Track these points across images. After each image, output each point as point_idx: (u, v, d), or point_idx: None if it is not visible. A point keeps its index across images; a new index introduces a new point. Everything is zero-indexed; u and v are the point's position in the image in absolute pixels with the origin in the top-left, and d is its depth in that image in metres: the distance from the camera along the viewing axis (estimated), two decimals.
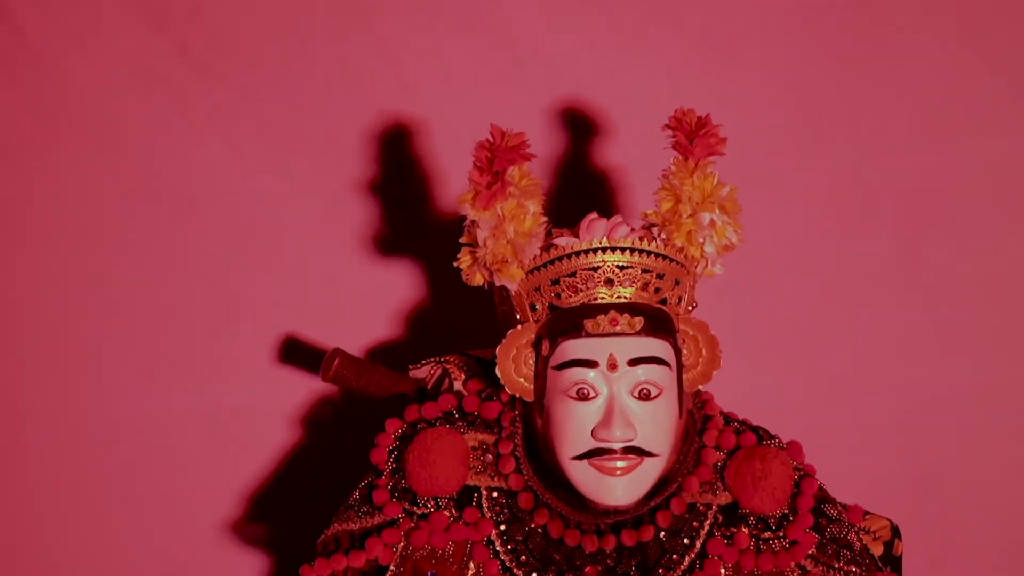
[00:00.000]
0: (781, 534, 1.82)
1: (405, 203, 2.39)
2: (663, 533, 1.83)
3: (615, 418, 1.76)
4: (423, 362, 1.99)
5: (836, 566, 1.82)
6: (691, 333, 1.82)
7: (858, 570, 1.83)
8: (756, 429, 1.88)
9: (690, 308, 1.85)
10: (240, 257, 2.43)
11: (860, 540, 1.86)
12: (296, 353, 2.41)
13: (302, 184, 2.41)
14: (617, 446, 1.76)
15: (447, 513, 1.85)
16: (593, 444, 1.76)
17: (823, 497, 1.86)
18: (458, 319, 2.32)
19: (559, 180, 2.33)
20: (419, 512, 1.85)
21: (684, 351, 1.82)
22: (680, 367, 1.81)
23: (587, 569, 1.83)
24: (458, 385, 1.95)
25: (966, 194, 2.40)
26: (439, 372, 1.97)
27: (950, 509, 2.42)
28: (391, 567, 1.85)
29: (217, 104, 2.41)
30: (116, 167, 2.42)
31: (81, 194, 2.43)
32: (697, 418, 1.90)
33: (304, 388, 2.41)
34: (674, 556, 1.82)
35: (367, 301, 2.42)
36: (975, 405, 2.42)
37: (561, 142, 2.37)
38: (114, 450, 2.43)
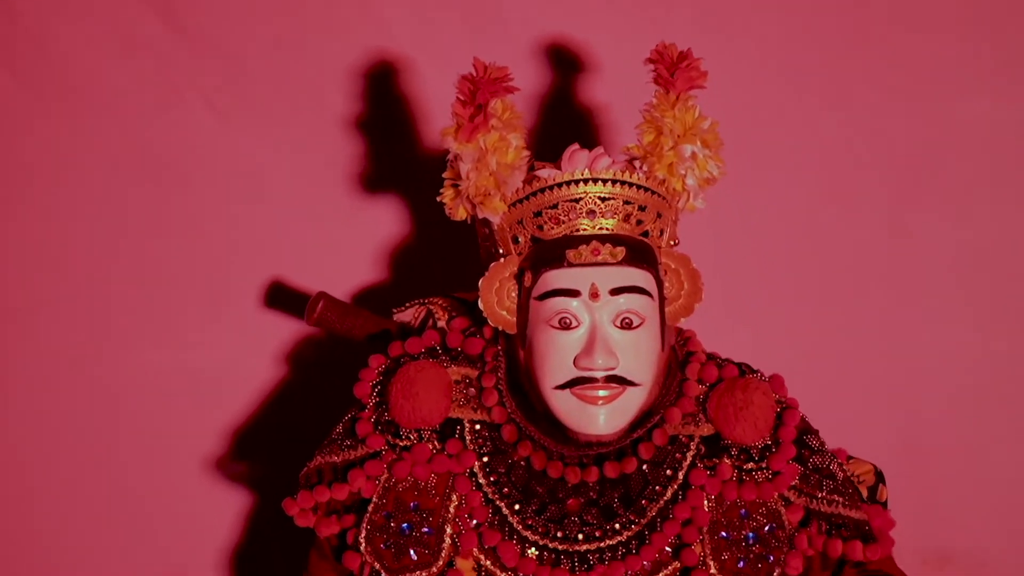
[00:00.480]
0: (764, 465, 1.83)
1: (390, 141, 2.40)
2: (645, 465, 1.84)
3: (597, 346, 1.76)
4: (407, 304, 2.00)
5: (819, 496, 1.83)
6: (673, 266, 1.83)
7: (841, 499, 1.84)
8: (739, 364, 1.89)
9: (672, 243, 1.86)
10: (226, 203, 2.43)
11: (843, 471, 1.87)
12: (282, 298, 2.42)
13: (285, 129, 2.42)
14: (599, 375, 1.77)
15: (430, 445, 1.86)
16: (575, 373, 1.77)
17: (805, 428, 1.87)
18: (443, 257, 2.34)
19: (543, 118, 2.34)
20: (402, 444, 1.86)
21: (666, 284, 1.83)
22: (662, 299, 1.82)
23: (569, 501, 1.84)
24: (442, 324, 1.96)
25: (956, 155, 2.42)
26: (423, 313, 1.98)
27: (934, 463, 2.44)
28: (373, 499, 1.85)
29: (198, 54, 2.42)
30: (99, 128, 2.43)
31: (65, 157, 2.43)
32: (679, 354, 1.91)
33: (289, 329, 2.42)
34: (657, 487, 1.83)
35: (353, 242, 2.43)
36: (962, 368, 2.44)
37: (546, 79, 2.37)
38: (102, 388, 2.44)
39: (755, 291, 2.43)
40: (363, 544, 1.84)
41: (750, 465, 1.84)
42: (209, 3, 2.41)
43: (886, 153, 2.42)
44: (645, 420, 1.84)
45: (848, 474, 1.89)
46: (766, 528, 1.82)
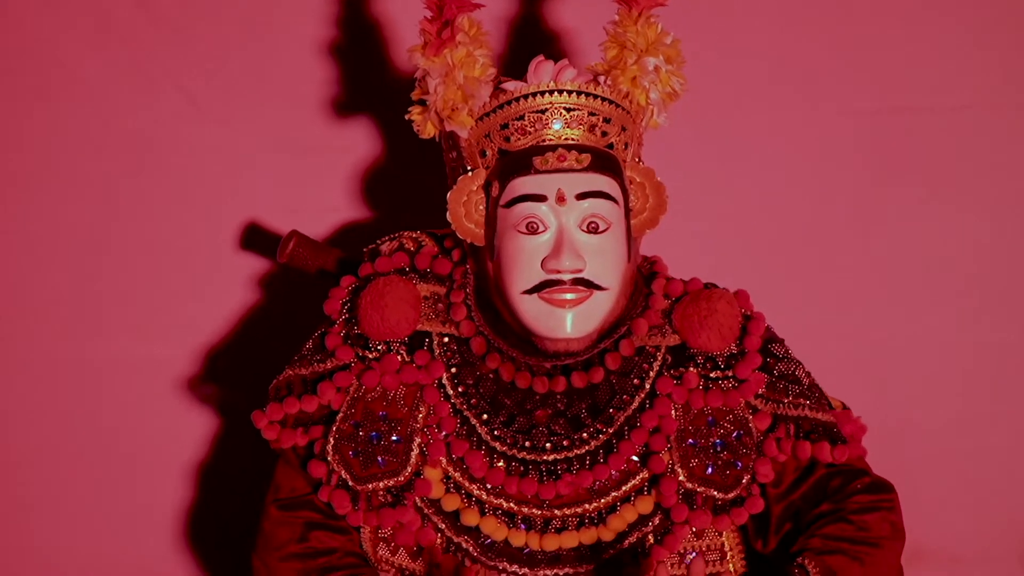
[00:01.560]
0: (730, 373, 1.87)
1: (363, 68, 2.42)
2: (613, 376, 1.88)
3: (564, 248, 1.80)
4: (379, 241, 2.02)
5: (785, 401, 1.88)
6: (638, 180, 1.88)
7: (808, 402, 1.88)
8: (705, 283, 1.94)
9: (637, 160, 1.90)
10: (198, 140, 2.45)
11: (809, 376, 1.91)
12: (257, 239, 2.44)
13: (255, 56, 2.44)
14: (566, 277, 1.80)
15: (398, 356, 1.89)
16: (543, 276, 1.80)
17: (771, 337, 1.91)
18: (418, 184, 2.36)
19: (512, 42, 2.35)
20: (371, 356, 1.89)
21: (632, 197, 1.87)
22: (628, 209, 1.85)
23: (537, 412, 1.87)
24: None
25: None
26: (396, 245, 2.00)
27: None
28: (342, 409, 1.89)
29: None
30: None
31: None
32: (645, 272, 1.95)
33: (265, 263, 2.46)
34: (624, 397, 1.87)
35: (327, 173, 2.45)
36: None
37: (514, 4, 2.38)
38: (76, 309, 2.47)
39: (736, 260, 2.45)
40: (331, 453, 1.87)
41: (716, 373, 1.88)
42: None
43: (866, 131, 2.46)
44: (612, 331, 1.87)
45: (813, 380, 1.92)
46: (734, 435, 1.86)
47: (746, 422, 1.87)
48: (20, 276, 2.46)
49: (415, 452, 1.87)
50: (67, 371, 2.47)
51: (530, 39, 2.36)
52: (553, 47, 2.36)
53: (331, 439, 1.88)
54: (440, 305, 1.92)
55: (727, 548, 1.90)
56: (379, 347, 1.89)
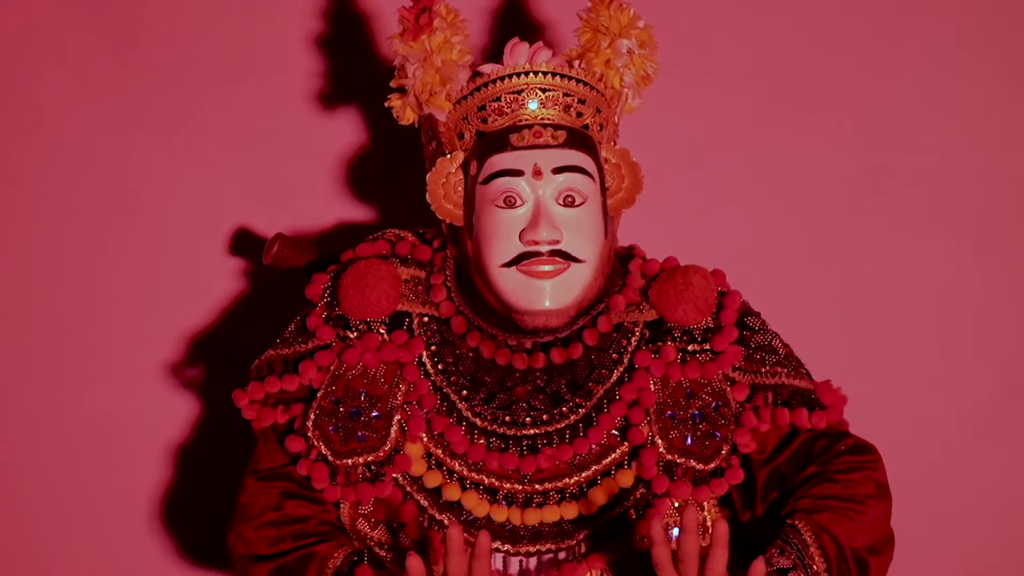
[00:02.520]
0: (707, 347, 1.91)
1: (349, 62, 2.45)
2: (592, 352, 1.91)
3: (541, 219, 1.84)
4: (367, 240, 2.04)
5: (763, 370, 1.92)
6: (613, 160, 1.92)
7: (784, 370, 1.92)
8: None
9: (613, 143, 1.95)
10: (188, 143, 2.48)
11: (786, 347, 1.95)
12: (246, 242, 2.48)
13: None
14: (544, 248, 1.84)
15: (379, 334, 1.93)
16: (521, 248, 1.84)
17: (746, 310, 1.95)
18: (407, 176, 2.41)
19: (495, 33, 2.39)
20: (352, 336, 1.93)
21: (608, 177, 1.91)
22: (604, 187, 1.90)
23: (517, 389, 1.91)
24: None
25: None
26: (379, 236, 2.03)
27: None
28: (323, 386, 1.92)
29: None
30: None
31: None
32: (623, 255, 2.00)
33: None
34: (603, 371, 1.91)
35: (314, 166, 2.49)
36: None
37: None
38: (64, 297, 2.50)
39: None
40: (310, 429, 1.90)
41: (693, 347, 1.92)
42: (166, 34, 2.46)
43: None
44: (591, 309, 1.91)
45: (790, 349, 1.96)
46: (712, 406, 1.89)
47: (724, 393, 1.91)
48: (14, 274, 2.50)
49: (395, 428, 1.90)
50: (56, 362, 2.50)
51: (512, 30, 2.36)
52: (535, 38, 2.39)
53: (311, 414, 1.91)
54: (420, 287, 1.96)
55: (708, 522, 1.92)
56: (360, 327, 1.93)
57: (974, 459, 2.50)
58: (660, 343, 1.92)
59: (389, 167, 2.43)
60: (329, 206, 2.47)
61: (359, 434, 1.89)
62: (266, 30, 2.46)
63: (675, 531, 1.88)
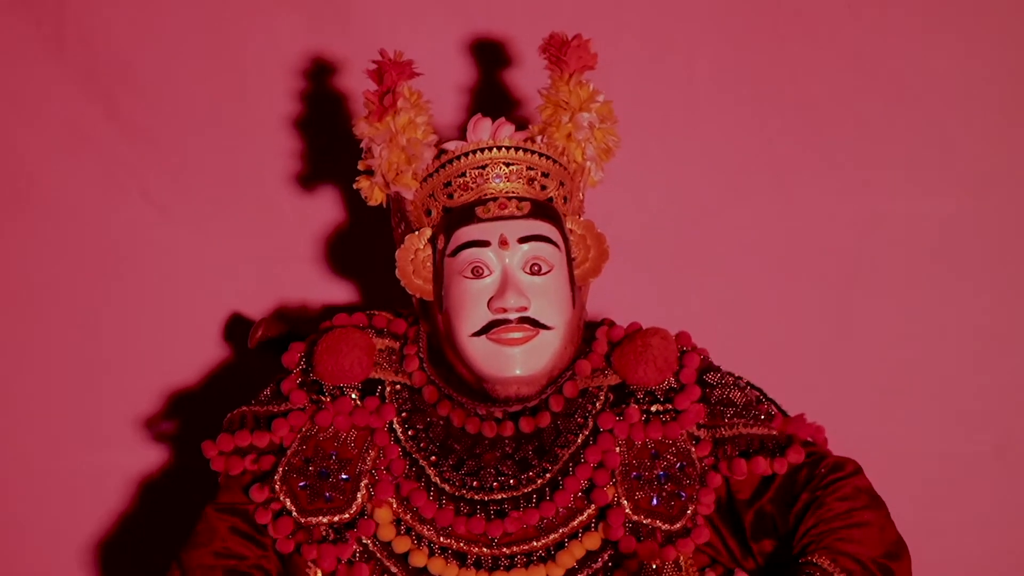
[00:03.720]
0: (670, 406, 1.94)
1: (328, 143, 2.51)
2: (558, 418, 1.94)
3: (509, 287, 1.89)
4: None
5: (722, 424, 1.94)
6: (579, 232, 1.97)
7: (742, 421, 1.94)
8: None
9: (578, 216, 1.99)
10: (169, 230, 2.53)
11: (746, 395, 1.97)
12: (238, 328, 2.53)
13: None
14: (512, 316, 1.88)
15: (352, 399, 1.97)
16: (489, 316, 1.88)
17: (706, 367, 1.98)
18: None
19: (471, 110, 2.43)
20: (325, 400, 1.96)
21: (574, 248, 1.96)
22: (570, 257, 1.94)
23: (486, 456, 1.94)
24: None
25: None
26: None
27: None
28: (292, 446, 1.95)
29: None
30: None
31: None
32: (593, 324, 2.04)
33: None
34: (569, 436, 1.94)
35: (300, 243, 2.55)
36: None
37: (473, 74, 2.49)
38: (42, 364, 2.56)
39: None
40: (278, 484, 1.93)
41: (656, 407, 1.95)
42: (153, 99, 2.50)
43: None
44: (559, 378, 1.95)
45: (751, 398, 1.97)
46: (677, 467, 1.92)
47: (688, 453, 1.93)
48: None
49: (362, 492, 1.92)
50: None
51: (486, 107, 2.41)
52: (508, 114, 2.45)
53: (280, 468, 1.94)
54: (394, 357, 2.01)
55: None
56: (333, 391, 1.97)
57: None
58: (624, 406, 1.95)
59: (367, 245, 2.47)
60: (310, 280, 2.53)
61: (326, 494, 1.92)
62: (252, 94, 2.52)
63: None
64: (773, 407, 2.00)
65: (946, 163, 2.53)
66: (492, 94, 2.48)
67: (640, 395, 1.95)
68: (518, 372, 1.89)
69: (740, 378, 2.01)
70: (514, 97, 2.49)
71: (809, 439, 1.98)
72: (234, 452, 1.98)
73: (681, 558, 1.93)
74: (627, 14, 2.49)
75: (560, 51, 1.93)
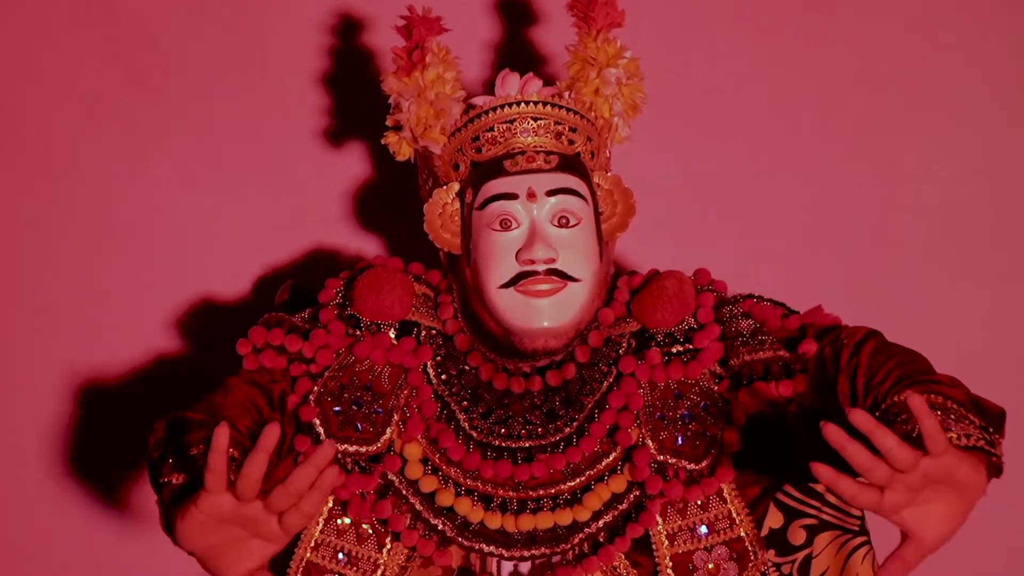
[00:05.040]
0: (690, 347, 1.96)
1: (357, 101, 2.54)
2: (583, 369, 1.97)
3: (537, 239, 1.90)
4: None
5: (734, 357, 1.94)
6: (606, 187, 1.99)
7: (746, 348, 1.92)
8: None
9: (606, 171, 2.01)
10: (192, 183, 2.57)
11: (750, 321, 1.95)
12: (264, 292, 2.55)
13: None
14: (540, 268, 1.90)
15: (389, 336, 1.99)
16: (518, 268, 1.90)
17: (719, 301, 1.99)
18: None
19: (497, 68, 2.46)
20: (363, 334, 1.98)
21: (601, 203, 1.98)
22: (597, 211, 1.96)
23: (514, 407, 1.97)
24: None
25: None
26: None
27: None
28: (330, 368, 1.95)
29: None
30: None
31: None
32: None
33: None
34: (594, 384, 1.96)
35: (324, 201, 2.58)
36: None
37: (499, 30, 2.52)
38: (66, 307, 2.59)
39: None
40: (312, 402, 1.93)
41: (677, 348, 1.97)
42: (176, 65, 2.52)
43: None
44: (585, 330, 1.97)
45: (758, 323, 1.96)
46: (700, 406, 1.93)
47: (712, 393, 1.94)
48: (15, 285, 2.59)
49: (392, 427, 1.94)
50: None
51: (513, 65, 2.46)
52: (534, 71, 2.48)
53: (316, 388, 1.94)
54: (429, 303, 2.03)
55: (734, 514, 1.95)
56: (370, 327, 1.98)
57: None
58: (645, 350, 1.97)
59: (395, 201, 2.51)
60: (338, 239, 2.55)
61: (357, 424, 1.94)
62: (276, 57, 2.54)
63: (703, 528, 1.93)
64: (784, 309, 1.99)
65: (966, 147, 2.55)
66: (519, 51, 2.51)
67: (660, 338, 1.97)
68: (546, 324, 1.91)
69: (749, 297, 2.00)
70: (541, 54, 2.51)
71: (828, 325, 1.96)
72: (266, 347, 1.96)
73: (725, 487, 1.93)
74: None
75: (588, 7, 1.96)
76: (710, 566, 1.92)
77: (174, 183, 2.56)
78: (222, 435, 1.56)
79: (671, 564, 1.92)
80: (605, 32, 1.96)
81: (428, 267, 2.08)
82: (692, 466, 1.92)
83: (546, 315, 1.91)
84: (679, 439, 1.92)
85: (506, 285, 1.91)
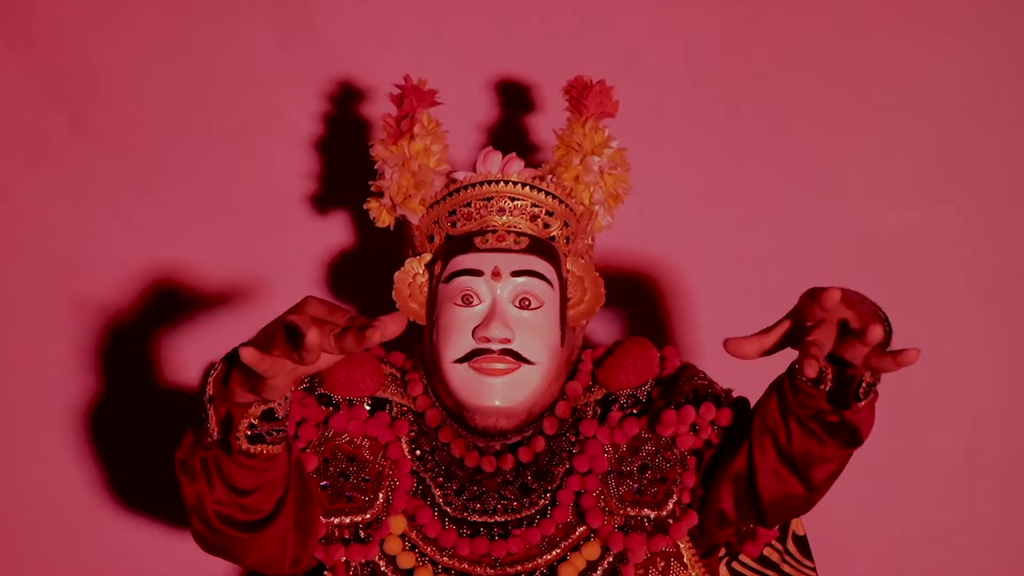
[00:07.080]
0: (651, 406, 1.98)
1: (342, 164, 2.57)
2: (552, 441, 1.99)
3: (495, 318, 1.92)
4: None
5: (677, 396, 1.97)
6: (577, 273, 2.01)
7: (688, 386, 1.97)
8: None
9: (583, 259, 2.03)
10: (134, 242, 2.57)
11: (690, 382, 1.98)
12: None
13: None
14: (495, 347, 1.92)
15: (364, 409, 2.00)
16: (473, 345, 1.92)
17: (684, 367, 2.02)
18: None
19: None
20: (340, 406, 1.99)
21: (570, 289, 2.00)
22: (564, 296, 1.98)
23: (487, 483, 1.98)
24: None
25: None
26: None
27: None
28: (311, 445, 1.96)
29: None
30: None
31: None
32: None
33: None
34: (563, 454, 1.98)
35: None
36: None
37: (498, 113, 2.55)
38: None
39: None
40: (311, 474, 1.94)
41: (638, 408, 2.00)
42: (116, 112, 2.54)
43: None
44: (542, 415, 2.00)
45: (696, 384, 1.98)
46: (654, 452, 1.96)
47: (664, 440, 1.97)
48: None
49: (383, 493, 1.96)
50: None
51: (505, 147, 2.51)
52: (528, 157, 2.49)
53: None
54: (398, 381, 2.05)
55: None
56: (342, 403, 2.00)
57: None
58: (608, 413, 2.00)
59: (370, 268, 2.52)
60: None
61: (347, 495, 1.95)
62: (220, 111, 2.57)
63: None
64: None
65: (952, 173, 2.58)
66: (513, 135, 2.54)
67: (623, 400, 2.00)
68: (497, 403, 1.93)
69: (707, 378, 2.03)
70: (533, 141, 2.55)
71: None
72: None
73: (685, 554, 1.95)
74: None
75: (581, 94, 1.99)
76: None
77: (116, 231, 2.57)
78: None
79: None
80: (595, 120, 1.99)
81: (388, 351, 2.09)
82: (654, 514, 1.94)
83: (497, 394, 1.93)
84: (637, 488, 1.95)
85: (460, 360, 1.93)
